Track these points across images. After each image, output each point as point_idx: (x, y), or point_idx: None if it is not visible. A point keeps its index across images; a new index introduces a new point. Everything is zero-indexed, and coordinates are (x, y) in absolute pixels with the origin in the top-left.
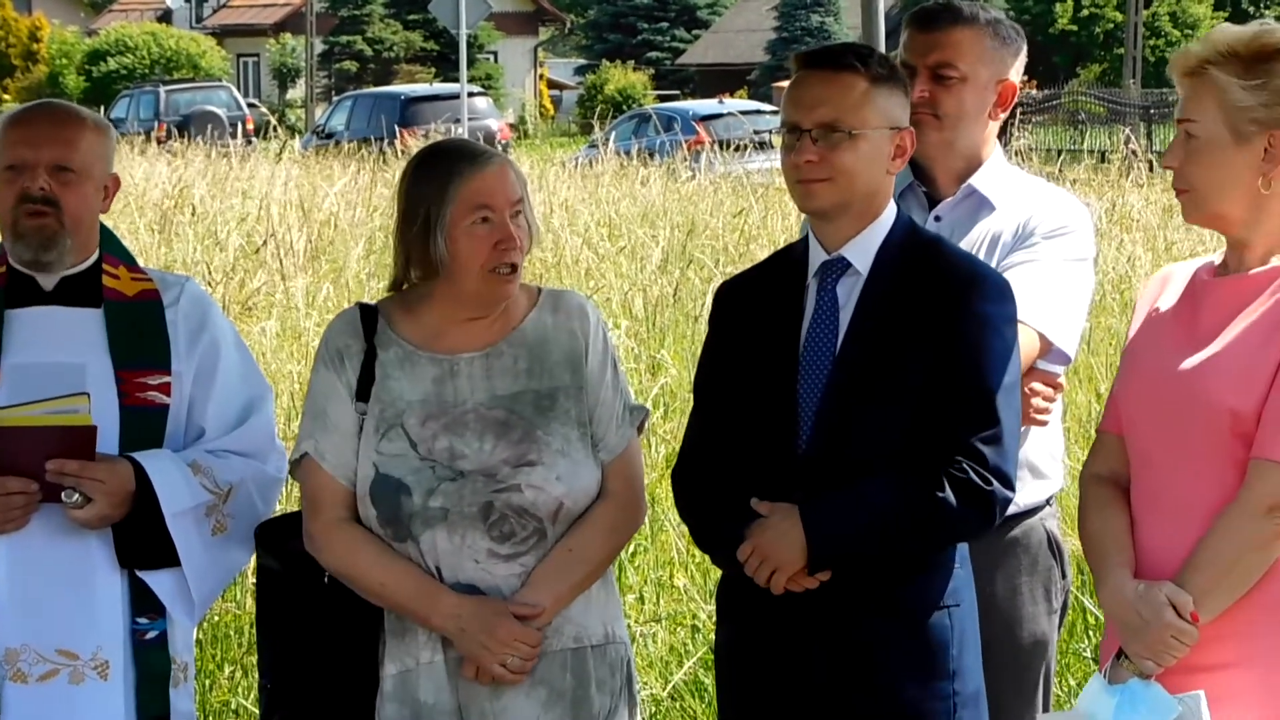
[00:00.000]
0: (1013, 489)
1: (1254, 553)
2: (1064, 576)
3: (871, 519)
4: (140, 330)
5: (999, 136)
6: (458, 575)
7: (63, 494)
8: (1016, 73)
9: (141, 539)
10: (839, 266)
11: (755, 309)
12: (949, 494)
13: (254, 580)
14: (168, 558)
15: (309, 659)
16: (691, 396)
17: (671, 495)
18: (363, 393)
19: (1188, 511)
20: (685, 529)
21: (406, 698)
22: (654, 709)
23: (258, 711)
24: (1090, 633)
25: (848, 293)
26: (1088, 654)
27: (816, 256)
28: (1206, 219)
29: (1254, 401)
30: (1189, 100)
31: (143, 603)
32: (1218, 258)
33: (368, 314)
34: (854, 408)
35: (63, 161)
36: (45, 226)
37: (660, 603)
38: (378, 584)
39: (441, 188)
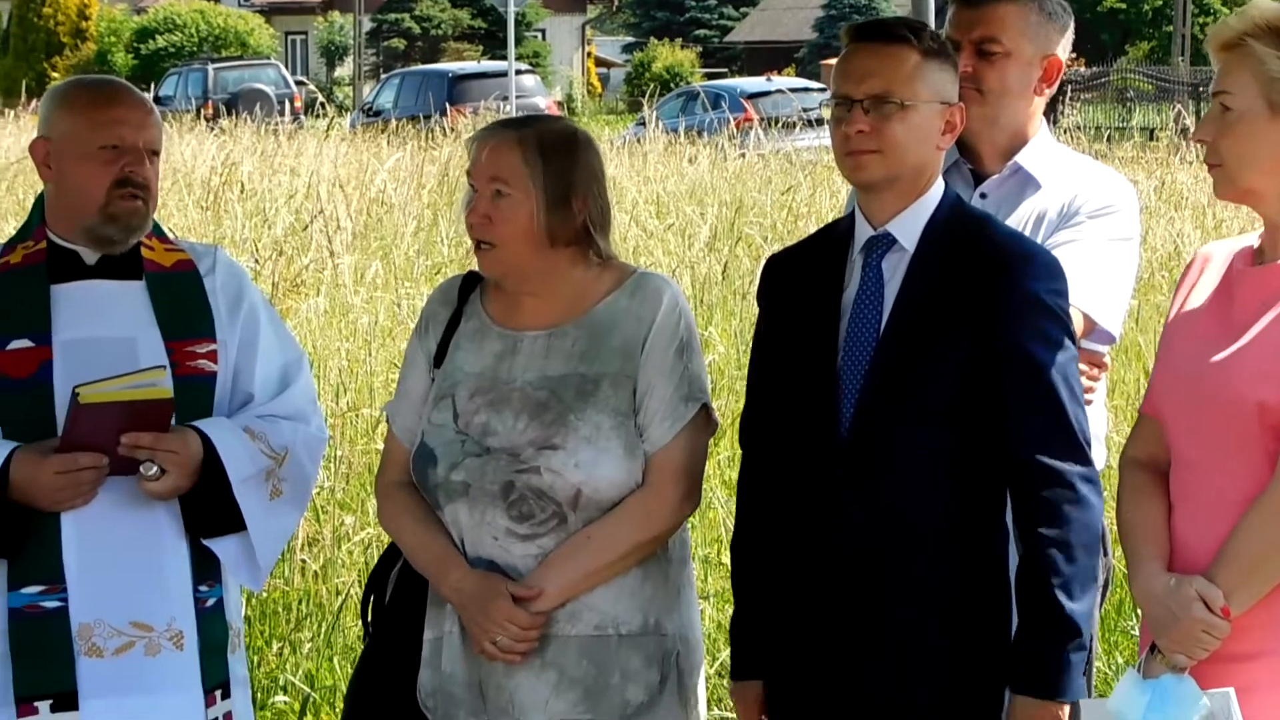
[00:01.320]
0: (1089, 461)
1: None
2: (1105, 554)
3: (1060, 609)
4: (183, 300)
5: (1047, 114)
6: (478, 550)
7: (141, 467)
8: (1064, 49)
9: (207, 507)
10: (885, 242)
11: (800, 284)
12: (1069, 509)
13: (302, 557)
14: (230, 524)
15: (385, 620)
16: (739, 374)
17: (718, 474)
18: (440, 360)
19: (1221, 504)
20: (733, 507)
21: (437, 665)
22: None
23: (306, 688)
24: (1138, 611)
25: (893, 269)
26: (1135, 632)
27: (862, 232)
28: (1238, 194)
29: None
30: (1225, 73)
31: (201, 571)
32: (1256, 240)
33: (469, 283)
34: (898, 385)
35: (153, 146)
36: (138, 210)
37: (708, 580)
38: (408, 548)
39: None
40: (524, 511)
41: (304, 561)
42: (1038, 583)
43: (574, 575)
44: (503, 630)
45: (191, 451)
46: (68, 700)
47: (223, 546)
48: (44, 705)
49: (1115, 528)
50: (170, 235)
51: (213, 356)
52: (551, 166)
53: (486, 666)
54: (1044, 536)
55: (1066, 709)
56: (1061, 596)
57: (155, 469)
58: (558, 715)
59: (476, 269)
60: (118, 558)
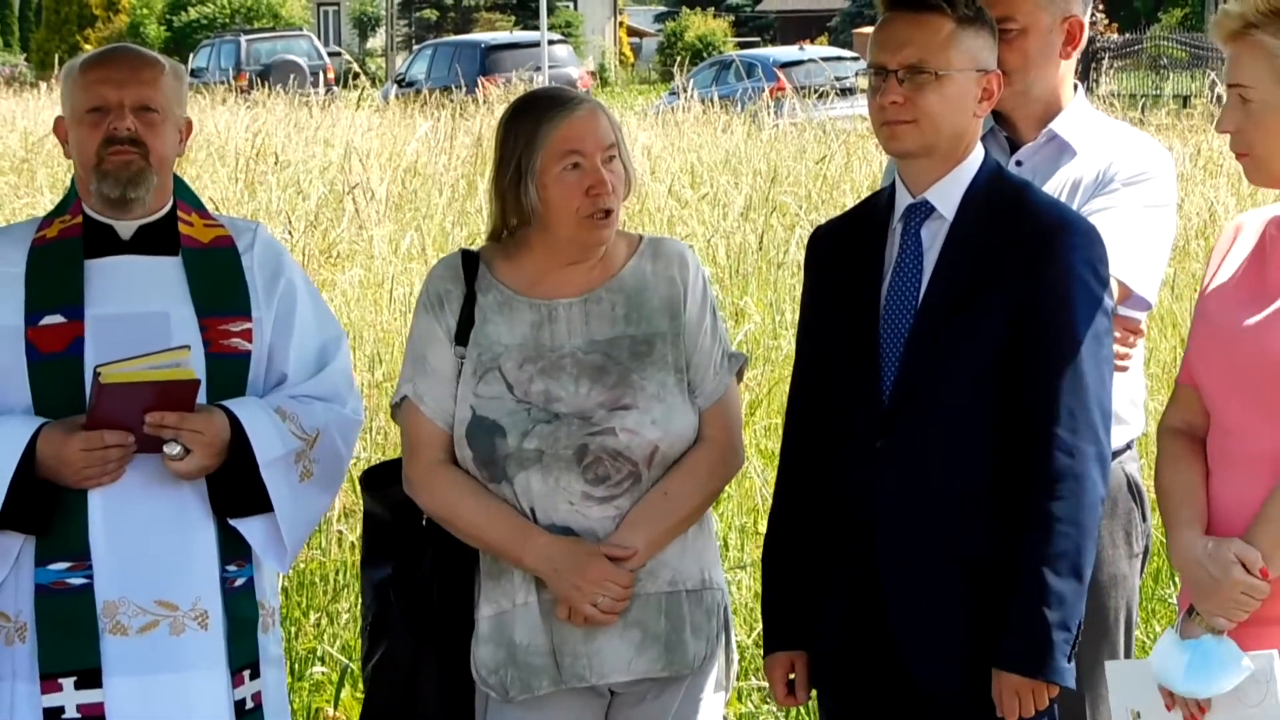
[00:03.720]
0: (1097, 440)
1: None
2: (1144, 520)
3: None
4: (219, 277)
5: (1083, 81)
6: (552, 517)
7: (165, 446)
8: (1084, 6)
9: (234, 487)
10: (923, 210)
11: (843, 254)
12: (1071, 486)
13: (339, 528)
14: (257, 505)
15: (407, 602)
16: (774, 344)
17: (754, 443)
18: (461, 337)
19: (1259, 465)
20: (770, 477)
21: (502, 639)
22: (739, 655)
23: (344, 659)
24: (1176, 579)
25: (932, 237)
26: (1173, 600)
27: (902, 200)
28: (1272, 181)
29: None
30: (1238, 65)
31: (230, 550)
32: None
33: (469, 259)
34: (936, 354)
35: (146, 102)
36: (132, 162)
37: (745, 549)
38: (474, 525)
39: (531, 136)
40: (599, 474)
41: (341, 533)
42: (1027, 556)
43: (658, 531)
44: (604, 590)
45: (217, 431)
46: (92, 678)
47: (249, 527)
48: (68, 682)
49: (1154, 495)
50: (212, 211)
51: (247, 335)
52: (619, 126)
53: (562, 633)
54: (1042, 510)
55: (1051, 689)
56: (1048, 573)
57: (179, 448)
58: (639, 673)
59: (462, 248)
60: (144, 536)
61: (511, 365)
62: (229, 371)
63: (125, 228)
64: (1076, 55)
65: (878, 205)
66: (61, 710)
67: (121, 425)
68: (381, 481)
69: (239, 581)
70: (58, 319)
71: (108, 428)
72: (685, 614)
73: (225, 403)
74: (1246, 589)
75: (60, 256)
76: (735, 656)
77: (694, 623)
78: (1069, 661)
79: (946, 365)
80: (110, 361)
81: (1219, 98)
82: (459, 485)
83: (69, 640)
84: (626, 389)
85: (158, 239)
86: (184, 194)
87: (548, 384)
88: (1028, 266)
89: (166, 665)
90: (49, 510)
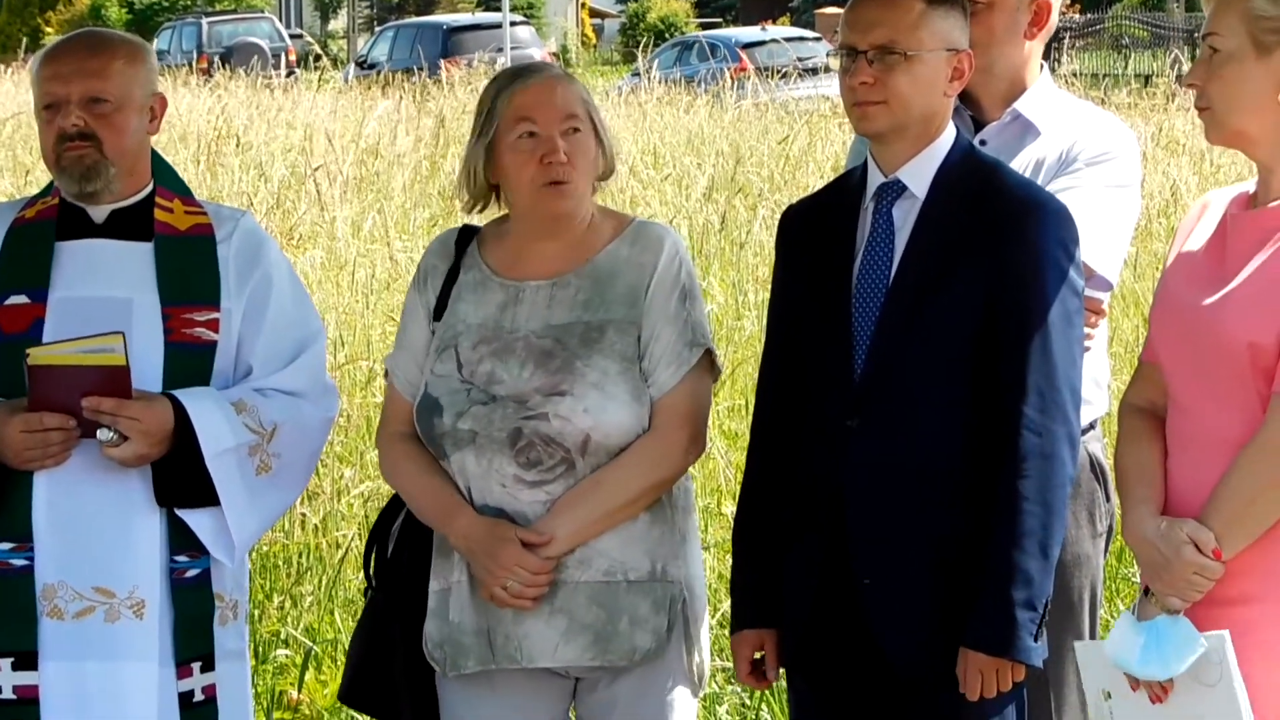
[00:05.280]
0: (1066, 420)
1: (1273, 490)
2: (1108, 500)
3: (1020, 566)
4: (190, 265)
5: (1045, 59)
6: (486, 498)
7: (98, 431)
8: None
9: (181, 478)
10: (895, 189)
11: (815, 234)
12: (1040, 465)
13: (302, 511)
14: (208, 497)
15: (378, 574)
16: (737, 324)
17: (717, 424)
18: (439, 313)
19: (1215, 447)
20: (734, 458)
21: (443, 615)
22: None
23: (308, 641)
24: None
25: (904, 216)
26: (1137, 579)
27: (874, 180)
28: (1228, 138)
29: (1273, 336)
30: (1214, 15)
31: (182, 541)
32: (1252, 186)
33: (465, 236)
34: (908, 333)
35: (94, 93)
36: (84, 157)
37: (709, 530)
38: (412, 499)
39: (491, 106)
40: (532, 458)
41: (304, 515)
42: (994, 535)
43: (584, 520)
44: (512, 575)
45: (158, 420)
46: (29, 660)
47: (197, 519)
48: (6, 663)
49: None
50: (198, 199)
51: (213, 325)
52: (590, 101)
53: (495, 614)
54: (1009, 489)
55: (1017, 669)
56: (1014, 552)
57: (111, 434)
58: (567, 661)
59: (465, 223)
60: (86, 522)
61: (467, 345)
62: (191, 361)
63: (98, 212)
64: (1044, 37)
65: (849, 185)
66: None
67: (62, 408)
68: None
69: (191, 573)
70: (22, 299)
71: (47, 410)
72: (623, 605)
73: (176, 392)
74: (1198, 569)
75: (34, 237)
76: (704, 653)
77: (635, 615)
78: (1036, 640)
79: (918, 344)
80: (44, 344)
81: (1180, 77)
82: (408, 458)
83: (8, 621)
84: (566, 375)
85: (131, 224)
86: (167, 179)
87: (494, 366)
88: (999, 246)
89: (98, 653)
90: None
